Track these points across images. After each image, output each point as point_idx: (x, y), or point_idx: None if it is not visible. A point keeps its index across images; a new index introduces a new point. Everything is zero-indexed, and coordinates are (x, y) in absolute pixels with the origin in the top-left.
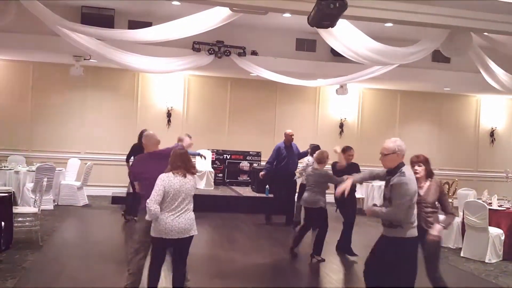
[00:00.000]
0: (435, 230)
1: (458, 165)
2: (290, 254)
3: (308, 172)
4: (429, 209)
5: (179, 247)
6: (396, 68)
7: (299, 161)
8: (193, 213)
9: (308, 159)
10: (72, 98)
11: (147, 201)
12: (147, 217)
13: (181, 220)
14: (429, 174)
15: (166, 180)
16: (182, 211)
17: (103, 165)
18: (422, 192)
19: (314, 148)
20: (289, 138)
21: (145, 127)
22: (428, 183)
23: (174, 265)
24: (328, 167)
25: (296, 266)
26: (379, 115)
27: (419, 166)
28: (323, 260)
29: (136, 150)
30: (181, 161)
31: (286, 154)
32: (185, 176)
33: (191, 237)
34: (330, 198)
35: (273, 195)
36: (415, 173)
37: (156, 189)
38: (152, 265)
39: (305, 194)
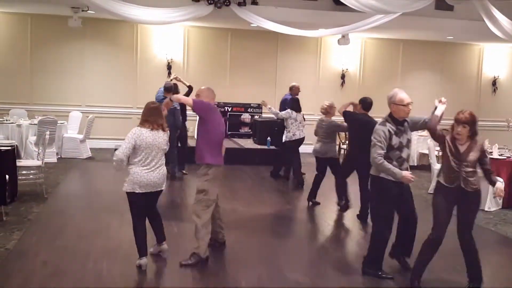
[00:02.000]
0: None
1: None
2: (309, 203)
3: (317, 124)
4: (469, 169)
5: (149, 201)
6: (398, 16)
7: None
8: (165, 167)
9: (288, 111)
10: (71, 50)
11: (117, 152)
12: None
13: (155, 175)
14: (473, 134)
15: (137, 134)
16: (156, 166)
17: (104, 118)
18: (461, 150)
19: (294, 100)
20: (297, 91)
21: (145, 80)
22: (469, 142)
23: (149, 218)
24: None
25: (297, 215)
26: (381, 65)
27: (464, 127)
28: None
29: None
30: (154, 115)
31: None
32: (157, 131)
33: (161, 191)
34: None
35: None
36: (457, 134)
37: (127, 142)
38: (134, 222)
39: (316, 145)
